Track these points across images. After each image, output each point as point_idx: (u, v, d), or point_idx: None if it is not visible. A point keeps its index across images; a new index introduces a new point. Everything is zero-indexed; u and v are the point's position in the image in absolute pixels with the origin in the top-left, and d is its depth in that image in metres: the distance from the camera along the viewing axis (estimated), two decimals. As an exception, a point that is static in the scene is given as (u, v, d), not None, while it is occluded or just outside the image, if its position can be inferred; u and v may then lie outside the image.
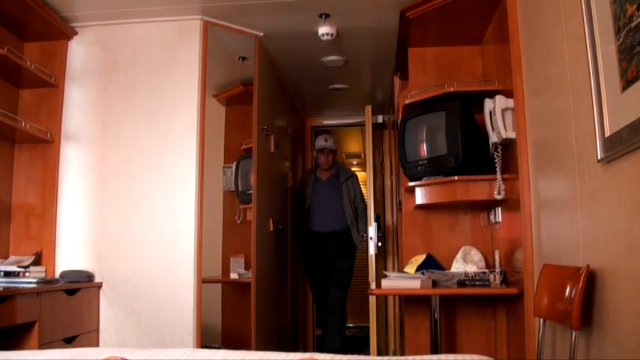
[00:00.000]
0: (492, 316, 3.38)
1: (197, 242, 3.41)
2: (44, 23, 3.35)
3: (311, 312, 5.98)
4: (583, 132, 1.88)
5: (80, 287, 3.24)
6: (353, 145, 7.73)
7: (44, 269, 3.36)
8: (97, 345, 3.32)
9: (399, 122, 3.66)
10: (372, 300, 4.31)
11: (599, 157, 1.73)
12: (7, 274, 3.12)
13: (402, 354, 3.76)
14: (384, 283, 3.02)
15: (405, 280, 3.03)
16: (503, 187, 2.90)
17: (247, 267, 3.83)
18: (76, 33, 3.63)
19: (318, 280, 5.21)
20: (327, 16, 3.63)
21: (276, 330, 4.49)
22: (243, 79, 4.03)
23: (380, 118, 5.87)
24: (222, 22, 3.70)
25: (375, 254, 4.18)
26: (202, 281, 3.42)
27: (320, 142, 5.19)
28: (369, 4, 3.48)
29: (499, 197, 2.91)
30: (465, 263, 3.22)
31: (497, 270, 3.01)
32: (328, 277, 5.09)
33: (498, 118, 2.76)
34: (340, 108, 6.10)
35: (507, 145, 2.86)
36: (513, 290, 2.74)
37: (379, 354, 4.97)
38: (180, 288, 3.37)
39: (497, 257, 3.10)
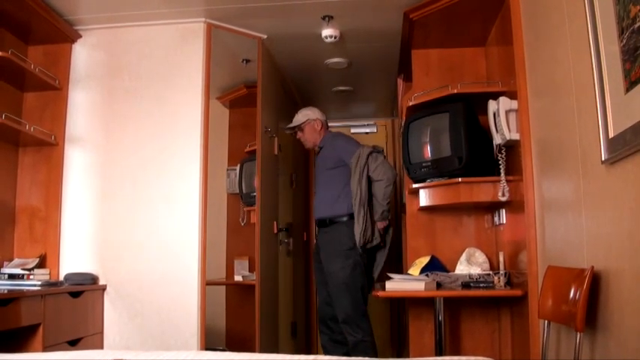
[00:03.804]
0: (497, 318, 3.37)
1: (201, 244, 3.41)
2: (48, 26, 3.36)
3: (315, 313, 5.97)
4: (587, 133, 1.88)
5: (84, 290, 3.24)
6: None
7: (48, 272, 3.36)
8: (102, 347, 3.32)
9: (402, 124, 3.66)
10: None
11: (603, 159, 1.73)
12: (12, 276, 3.12)
13: (407, 356, 3.75)
14: (389, 285, 3.02)
15: (409, 282, 3.03)
16: (507, 189, 2.90)
17: (251, 269, 3.83)
18: (80, 36, 3.64)
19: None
20: (331, 18, 3.63)
21: (281, 332, 4.48)
22: (247, 82, 4.03)
23: (367, 129, 5.77)
24: (225, 25, 3.70)
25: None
26: (206, 283, 3.42)
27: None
28: (373, 6, 3.48)
29: (503, 199, 2.90)
30: (469, 265, 3.21)
31: (502, 272, 3.00)
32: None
33: (502, 119, 2.75)
34: (344, 110, 6.11)
35: (511, 147, 2.85)
36: (517, 292, 2.74)
37: (381, 356, 4.97)
38: (185, 290, 3.37)
39: (501, 259, 3.09)
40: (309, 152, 6.19)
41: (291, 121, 3.94)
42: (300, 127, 3.89)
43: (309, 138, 3.90)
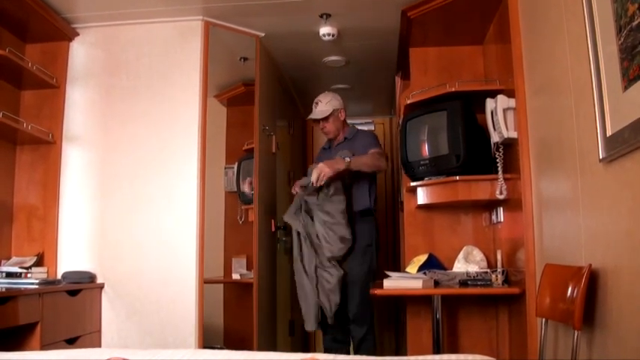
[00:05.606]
0: (494, 316, 3.37)
1: (199, 243, 3.41)
2: (46, 24, 3.35)
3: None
4: (584, 131, 1.88)
5: (82, 288, 3.24)
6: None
7: (46, 270, 3.36)
8: (99, 346, 3.32)
9: (400, 122, 3.66)
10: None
11: (600, 157, 1.73)
12: (9, 274, 3.12)
13: (405, 354, 3.76)
14: (386, 283, 3.01)
15: (407, 280, 3.03)
16: (505, 187, 2.90)
17: (249, 267, 3.83)
18: (77, 34, 3.64)
19: None
20: (329, 16, 3.63)
21: (279, 330, 4.48)
22: (245, 80, 4.03)
23: (365, 127, 5.81)
24: (223, 23, 3.70)
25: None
26: (204, 282, 3.42)
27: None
28: (371, 4, 3.47)
29: (501, 197, 2.90)
30: (467, 263, 3.22)
31: (499, 270, 3.01)
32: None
33: (500, 117, 2.75)
34: (342, 108, 6.11)
35: (509, 145, 2.85)
36: (515, 290, 2.74)
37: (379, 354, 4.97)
38: (182, 288, 3.37)
39: (499, 257, 3.10)
40: (308, 150, 6.20)
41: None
42: (325, 118, 3.82)
43: (333, 128, 3.85)
